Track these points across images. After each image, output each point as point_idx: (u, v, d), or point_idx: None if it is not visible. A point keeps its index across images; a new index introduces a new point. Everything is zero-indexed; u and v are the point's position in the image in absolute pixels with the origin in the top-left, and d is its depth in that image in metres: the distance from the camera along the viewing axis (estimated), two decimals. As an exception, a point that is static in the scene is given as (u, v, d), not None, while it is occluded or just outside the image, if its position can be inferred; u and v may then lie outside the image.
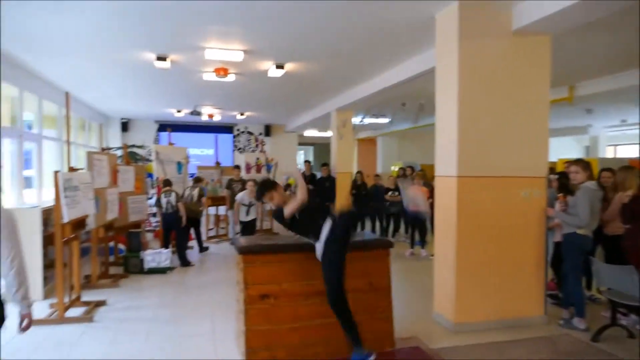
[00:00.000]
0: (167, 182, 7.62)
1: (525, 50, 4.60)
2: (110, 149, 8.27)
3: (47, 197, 8.31)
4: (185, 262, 7.24)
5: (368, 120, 12.00)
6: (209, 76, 7.26)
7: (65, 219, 4.62)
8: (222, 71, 6.83)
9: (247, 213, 7.58)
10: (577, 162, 4.72)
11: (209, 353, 3.96)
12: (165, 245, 7.44)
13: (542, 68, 4.69)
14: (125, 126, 14.18)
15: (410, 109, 9.52)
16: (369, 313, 3.92)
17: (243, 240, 3.95)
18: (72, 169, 5.04)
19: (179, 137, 10.07)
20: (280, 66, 6.75)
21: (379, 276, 3.98)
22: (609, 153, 15.45)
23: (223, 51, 5.94)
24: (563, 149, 15.33)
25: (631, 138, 15.76)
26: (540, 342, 4.23)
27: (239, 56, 6.13)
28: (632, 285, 3.96)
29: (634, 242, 4.51)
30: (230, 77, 7.30)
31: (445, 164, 4.67)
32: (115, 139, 13.76)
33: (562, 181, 5.29)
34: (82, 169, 5.45)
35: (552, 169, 5.99)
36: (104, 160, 6.06)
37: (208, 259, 7.93)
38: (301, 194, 3.59)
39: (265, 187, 3.80)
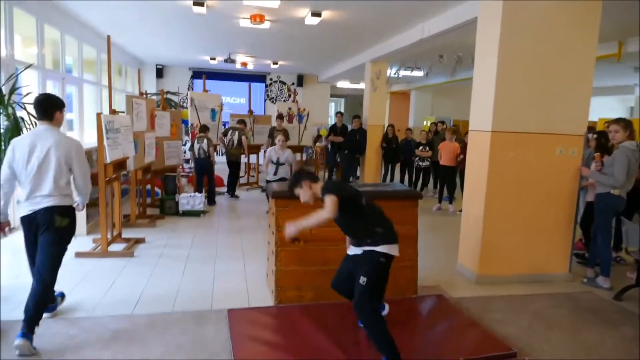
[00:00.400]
0: (203, 128, 7.82)
1: (574, 5, 4.39)
2: (148, 94, 8.44)
3: (88, 139, 8.67)
4: (213, 202, 7.72)
5: (403, 73, 11.74)
6: (245, 22, 7.22)
7: (108, 160, 4.85)
8: (258, 17, 6.77)
9: (275, 172, 6.57)
10: (618, 121, 4.58)
11: (241, 289, 4.21)
12: (198, 189, 7.72)
13: (590, 23, 4.48)
14: (160, 72, 14.33)
15: (447, 62, 9.25)
16: (396, 260, 4.04)
17: (276, 186, 4.09)
18: (113, 112, 5.23)
19: (212, 85, 10.15)
20: (316, 14, 6.64)
21: (406, 225, 4.07)
22: (655, 115, 14.72)
23: (259, -3, 5.88)
24: (605, 109, 14.69)
25: (681, 100, 14.93)
26: (561, 297, 4.30)
27: (275, 3, 6.05)
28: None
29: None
30: (266, 24, 7.23)
31: (480, 118, 4.62)
32: (150, 85, 13.98)
33: (600, 141, 5.17)
34: (123, 112, 5.64)
35: (591, 129, 5.81)
36: (142, 104, 6.24)
37: (239, 206, 8.20)
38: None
39: (301, 178, 3.14)
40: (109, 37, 5.04)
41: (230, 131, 8.60)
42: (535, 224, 4.65)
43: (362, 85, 17.33)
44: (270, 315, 3.55)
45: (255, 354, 2.89)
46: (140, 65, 13.69)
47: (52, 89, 7.18)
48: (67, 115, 7.90)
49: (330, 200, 2.83)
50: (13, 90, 3.93)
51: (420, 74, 11.69)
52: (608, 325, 3.72)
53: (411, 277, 4.13)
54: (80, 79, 8.38)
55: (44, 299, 3.10)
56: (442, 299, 4.05)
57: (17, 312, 3.46)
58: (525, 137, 4.51)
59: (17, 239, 5.34)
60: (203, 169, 7.79)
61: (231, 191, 8.68)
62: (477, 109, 4.73)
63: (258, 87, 15.28)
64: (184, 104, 14.30)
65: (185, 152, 9.19)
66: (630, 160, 4.35)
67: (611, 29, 6.72)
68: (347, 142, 9.95)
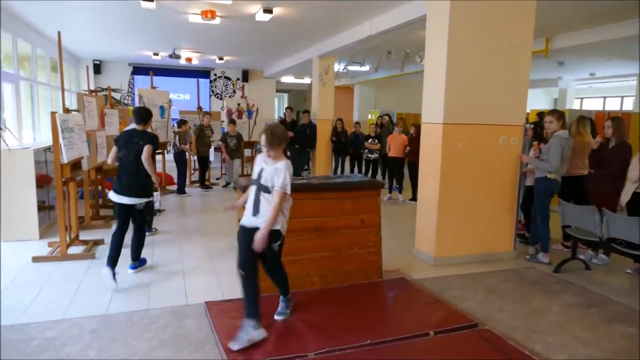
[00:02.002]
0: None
1: (512, 4, 4.81)
2: (98, 91, 8.13)
3: (26, 140, 8.24)
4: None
5: (351, 68, 12.04)
6: (195, 18, 7.16)
7: (65, 160, 4.71)
8: (209, 13, 6.75)
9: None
10: (552, 112, 5.10)
11: (213, 283, 4.29)
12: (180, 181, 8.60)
13: (526, 21, 4.94)
14: (97, 68, 13.74)
15: (395, 57, 9.64)
16: (361, 247, 4.30)
17: (244, 181, 4.18)
18: (67, 111, 5.06)
19: (155, 81, 9.90)
20: (268, 10, 6.73)
21: (370, 214, 4.33)
22: (576, 105, 16.09)
23: (213, -7, 5.89)
24: (533, 100, 15.83)
25: (597, 91, 16.43)
26: (509, 273, 4.75)
27: (228, -1, 6.09)
28: (593, 224, 4.46)
29: (597, 186, 5.02)
30: (217, 20, 7.22)
31: (432, 112, 4.95)
32: (86, 82, 13.35)
33: (536, 130, 5.68)
34: (76, 110, 5.46)
35: (526, 120, 6.36)
36: (93, 102, 6.06)
37: (189, 204, 8.15)
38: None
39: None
40: (59, 33, 4.86)
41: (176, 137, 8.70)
42: (484, 208, 5.07)
43: (306, 80, 17.56)
44: (247, 306, 3.66)
45: (241, 342, 3.01)
46: (76, 61, 13.06)
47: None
48: (3, 115, 7.47)
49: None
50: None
51: (367, 68, 12.04)
52: (551, 294, 4.18)
53: (377, 262, 4.39)
54: (16, 75, 7.93)
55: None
56: (404, 281, 4.35)
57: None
58: (473, 128, 4.90)
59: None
60: (177, 162, 8.64)
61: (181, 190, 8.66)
62: (428, 103, 5.06)
63: (203, 83, 15.03)
64: (125, 101, 13.83)
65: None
66: (563, 147, 4.86)
67: (539, 27, 7.34)
68: (297, 136, 10.11)
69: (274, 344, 3.01)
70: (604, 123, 5.19)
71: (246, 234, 3.15)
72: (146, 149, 4.27)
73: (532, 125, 5.88)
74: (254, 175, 3.21)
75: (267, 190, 3.12)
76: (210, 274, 4.56)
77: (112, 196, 4.29)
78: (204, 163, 9.29)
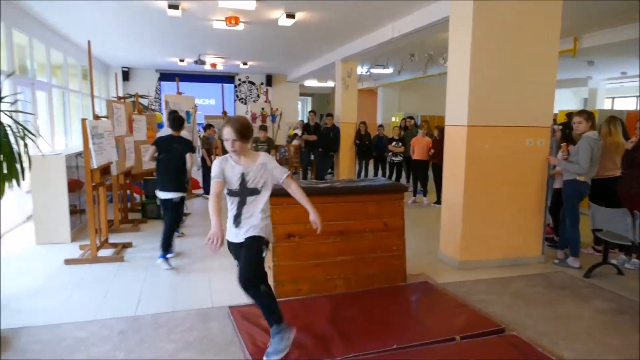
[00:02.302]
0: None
1: (538, 4, 4.73)
2: (126, 97, 8.36)
3: (58, 147, 8.52)
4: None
5: (374, 71, 12.02)
6: (219, 24, 7.28)
7: (95, 165, 4.85)
8: (233, 19, 6.86)
9: None
10: (581, 113, 4.97)
11: (237, 287, 4.32)
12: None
13: (552, 21, 4.84)
14: (126, 75, 14.10)
15: (418, 60, 9.58)
16: (385, 251, 4.28)
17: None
18: (96, 117, 5.21)
19: (181, 87, 10.11)
20: (290, 15, 6.79)
21: (393, 217, 4.31)
22: (607, 105, 15.64)
23: (236, 0, 5.97)
24: (561, 101, 15.48)
25: (629, 90, 15.93)
26: (537, 277, 4.65)
27: (251, 5, 6.17)
28: (625, 227, 4.33)
29: (629, 187, 4.87)
30: (240, 26, 7.33)
31: (456, 114, 4.89)
32: (115, 89, 13.73)
33: (565, 131, 5.55)
34: (106, 117, 5.62)
35: (554, 121, 6.23)
36: (121, 109, 6.23)
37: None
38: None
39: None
40: (89, 42, 5.02)
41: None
42: (510, 211, 4.98)
43: (329, 84, 17.61)
44: (271, 309, 3.68)
45: (266, 345, 3.03)
46: (106, 68, 13.44)
47: (23, 95, 7.04)
48: (37, 122, 7.75)
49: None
50: (0, 99, 3.90)
51: (390, 71, 12.01)
52: (581, 299, 4.07)
53: (400, 266, 4.36)
54: (49, 83, 8.21)
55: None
56: (428, 285, 4.30)
57: (15, 320, 3.49)
58: (498, 130, 4.82)
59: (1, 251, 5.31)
60: (203, 166, 8.83)
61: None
62: (452, 105, 5.01)
63: (227, 88, 15.27)
64: (153, 107, 14.15)
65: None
66: (593, 148, 4.73)
67: (567, 26, 7.19)
68: (320, 140, 10.15)
69: (299, 350, 3.00)
70: (636, 124, 5.04)
71: (239, 248, 3.02)
72: (189, 157, 5.07)
73: (560, 127, 5.75)
74: (235, 184, 2.92)
75: (256, 192, 2.92)
76: (235, 276, 4.60)
77: (158, 194, 5.02)
78: None
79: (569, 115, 6.34)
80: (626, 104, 16.13)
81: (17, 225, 6.48)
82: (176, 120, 5.27)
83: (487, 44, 4.66)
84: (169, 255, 4.90)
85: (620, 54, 9.87)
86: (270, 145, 9.21)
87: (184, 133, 5.42)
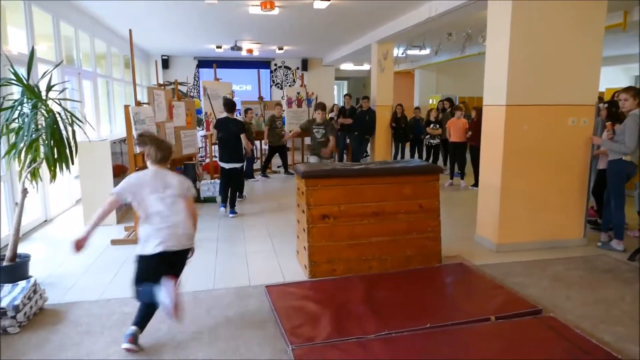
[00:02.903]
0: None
1: (582, -25, 4.52)
2: (166, 85, 8.61)
3: (104, 133, 8.89)
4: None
5: (410, 52, 11.81)
6: (255, 10, 7.33)
7: (137, 150, 5.05)
8: (268, 4, 6.89)
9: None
10: (627, 89, 4.74)
11: (274, 265, 4.46)
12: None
13: (598, -7, 4.62)
14: (165, 63, 14.44)
15: (455, 39, 9.33)
16: (419, 232, 4.28)
17: (303, 167, 4.29)
18: (138, 104, 5.41)
19: (218, 73, 10.27)
20: (325, -3, 6.76)
21: (428, 199, 4.29)
22: (659, 83, 14.77)
23: (271, -16, 6.00)
24: (610, 79, 14.73)
25: (685, 66, 14.94)
26: (578, 260, 4.53)
27: (285, -11, 6.18)
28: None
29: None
30: (275, 11, 7.35)
31: (494, 94, 4.78)
32: (155, 76, 14.10)
33: (611, 110, 5.32)
34: (146, 103, 5.82)
35: (600, 99, 5.97)
36: (161, 95, 6.41)
37: (254, 191, 8.43)
38: None
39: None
40: (130, 31, 5.19)
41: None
42: (550, 193, 4.85)
43: (365, 67, 17.43)
44: (306, 289, 3.78)
45: (301, 323, 3.12)
46: (146, 57, 13.81)
47: (70, 83, 7.37)
48: (84, 109, 8.10)
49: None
50: (50, 87, 4.11)
51: (427, 52, 11.76)
52: (624, 283, 3.95)
53: (435, 248, 4.35)
54: (94, 73, 8.54)
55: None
56: (464, 266, 4.28)
57: (68, 296, 3.73)
58: (538, 109, 4.68)
59: (54, 233, 5.62)
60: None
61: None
62: (490, 85, 4.88)
63: (263, 73, 15.34)
64: (191, 94, 14.46)
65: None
66: (640, 127, 4.52)
67: (616, -1, 6.81)
68: (356, 123, 10.11)
69: (333, 326, 3.07)
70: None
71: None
72: (243, 137, 6.39)
73: (606, 105, 5.50)
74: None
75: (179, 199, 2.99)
76: (272, 256, 4.73)
77: (221, 164, 6.38)
78: (272, 152, 9.63)
79: (618, 92, 6.04)
80: (681, 81, 15.18)
81: (67, 208, 6.84)
82: (229, 104, 6.51)
83: (527, 20, 4.50)
84: (231, 215, 6.36)
85: (675, 27, 9.27)
86: (328, 130, 6.61)
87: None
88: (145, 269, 2.93)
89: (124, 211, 6.46)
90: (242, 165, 6.54)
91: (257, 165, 10.34)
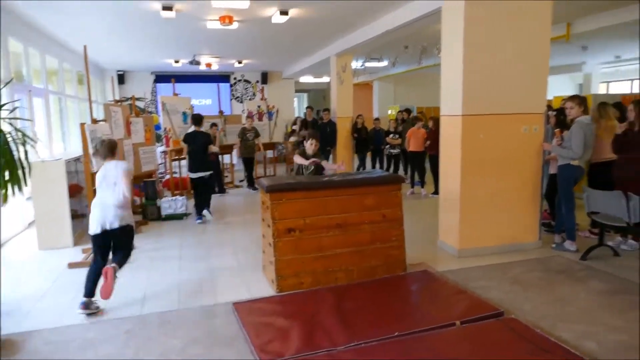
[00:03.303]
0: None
1: (527, -9, 4.78)
2: (123, 100, 8.40)
3: (56, 151, 8.56)
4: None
5: (369, 64, 12.05)
6: (214, 24, 7.31)
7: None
8: (227, 19, 6.89)
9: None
10: (572, 98, 5.03)
11: (240, 282, 4.41)
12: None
13: (544, 6, 4.88)
14: (121, 78, 14.10)
15: (412, 51, 9.60)
16: (384, 242, 4.35)
17: (267, 181, 4.28)
18: (95, 121, 5.26)
19: (176, 88, 10.13)
20: (284, 12, 6.82)
21: (391, 208, 4.38)
22: (601, 90, 15.67)
23: (229, 0, 6.00)
24: (557, 87, 15.52)
25: (624, 74, 15.94)
26: (534, 262, 4.72)
27: (245, 4, 6.19)
28: (620, 209, 4.39)
29: (622, 171, 4.93)
30: (234, 25, 7.35)
31: (451, 104, 4.95)
32: (111, 92, 13.75)
33: (559, 117, 5.61)
34: (104, 120, 5.67)
35: (549, 107, 6.27)
36: (119, 112, 6.27)
37: (218, 205, 8.32)
38: None
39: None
40: (85, 47, 5.06)
41: None
42: (507, 198, 5.04)
43: (325, 79, 17.61)
44: (275, 304, 3.76)
45: (270, 339, 3.10)
46: (101, 72, 13.45)
47: (20, 102, 7.08)
48: (35, 128, 7.79)
49: None
50: (0, 106, 3.94)
51: (385, 64, 12.03)
52: (578, 282, 4.15)
53: (399, 256, 4.43)
54: (45, 90, 8.24)
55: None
56: (428, 273, 4.37)
57: (25, 324, 3.56)
58: (493, 118, 4.87)
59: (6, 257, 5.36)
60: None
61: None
62: (447, 96, 5.06)
63: (223, 87, 15.28)
64: (149, 109, 14.17)
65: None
66: (586, 133, 4.79)
67: (559, 12, 7.22)
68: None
69: (303, 340, 3.07)
70: (628, 107, 5.09)
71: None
72: (210, 147, 7.01)
73: (554, 113, 5.79)
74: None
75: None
76: (237, 272, 4.67)
77: (190, 174, 6.93)
78: (248, 164, 9.57)
79: (564, 101, 6.38)
80: (621, 88, 16.15)
81: (19, 232, 6.54)
82: (196, 118, 7.18)
83: (479, 33, 4.71)
84: (198, 222, 6.84)
85: (613, 38, 9.91)
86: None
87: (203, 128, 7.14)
88: None
89: (80, 233, 6.23)
90: (210, 174, 7.02)
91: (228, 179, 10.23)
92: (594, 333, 3.19)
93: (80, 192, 6.29)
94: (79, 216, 6.26)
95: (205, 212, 6.90)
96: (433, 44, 8.77)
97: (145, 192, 7.49)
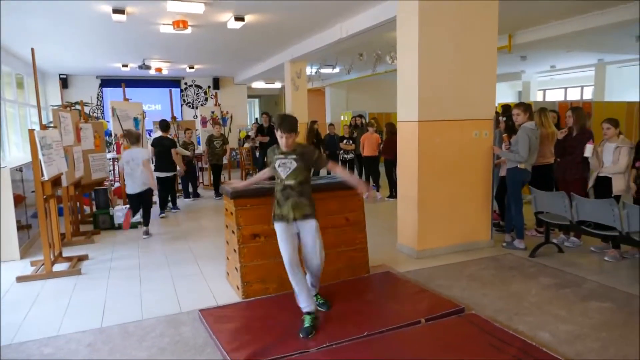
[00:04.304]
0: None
1: (477, 3, 5.05)
2: (70, 105, 8.03)
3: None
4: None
5: (323, 71, 12.20)
6: (167, 29, 7.17)
7: (46, 177, 4.68)
8: (181, 23, 6.78)
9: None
10: (518, 105, 5.35)
11: (204, 289, 4.34)
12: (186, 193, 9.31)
13: (490, 19, 5.19)
14: (64, 82, 13.46)
15: (367, 59, 9.83)
16: (348, 245, 4.43)
17: (230, 187, 4.25)
18: (44, 127, 5.02)
19: (125, 93, 9.80)
20: (240, 18, 6.81)
21: (354, 212, 4.48)
22: (539, 97, 16.68)
23: (185, 3, 5.92)
24: (499, 94, 16.35)
25: (558, 83, 17.07)
26: (488, 260, 4.97)
27: (199, 8, 6.13)
28: (563, 209, 4.72)
29: (563, 173, 5.30)
30: (188, 30, 7.25)
31: (408, 110, 5.13)
32: (55, 97, 13.10)
33: (508, 123, 5.94)
34: (53, 126, 5.42)
35: (497, 113, 6.63)
36: (68, 117, 6.01)
37: (174, 214, 8.14)
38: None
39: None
40: (33, 50, 4.83)
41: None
42: (461, 200, 5.28)
43: (277, 85, 17.63)
44: (242, 309, 3.75)
45: (242, 344, 3.09)
46: (42, 76, 12.79)
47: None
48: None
49: None
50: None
51: (338, 71, 12.22)
52: (529, 277, 4.41)
53: (363, 259, 4.53)
54: (-17, 94, 7.76)
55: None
56: (390, 275, 4.50)
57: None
58: (447, 124, 5.10)
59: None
60: None
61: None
62: (403, 102, 5.23)
63: (173, 92, 14.90)
64: (96, 115, 13.62)
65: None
66: (530, 138, 5.11)
67: (502, 24, 7.65)
68: (273, 141, 10.15)
69: (275, 344, 3.08)
70: (566, 113, 5.49)
71: None
72: (173, 152, 7.72)
73: (504, 118, 6.12)
74: None
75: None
76: (200, 279, 4.61)
77: (156, 173, 7.28)
78: (215, 171, 9.36)
79: (506, 107, 6.77)
80: (555, 96, 17.28)
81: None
82: (163, 124, 7.96)
83: (433, 42, 4.92)
84: (162, 215, 7.68)
85: (549, 49, 10.62)
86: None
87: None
88: None
89: (28, 244, 5.91)
90: (174, 175, 7.95)
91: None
92: (546, 324, 3.42)
93: (21, 201, 5.95)
94: (24, 227, 5.93)
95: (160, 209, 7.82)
96: (386, 52, 9.04)
97: (97, 200, 7.21)
